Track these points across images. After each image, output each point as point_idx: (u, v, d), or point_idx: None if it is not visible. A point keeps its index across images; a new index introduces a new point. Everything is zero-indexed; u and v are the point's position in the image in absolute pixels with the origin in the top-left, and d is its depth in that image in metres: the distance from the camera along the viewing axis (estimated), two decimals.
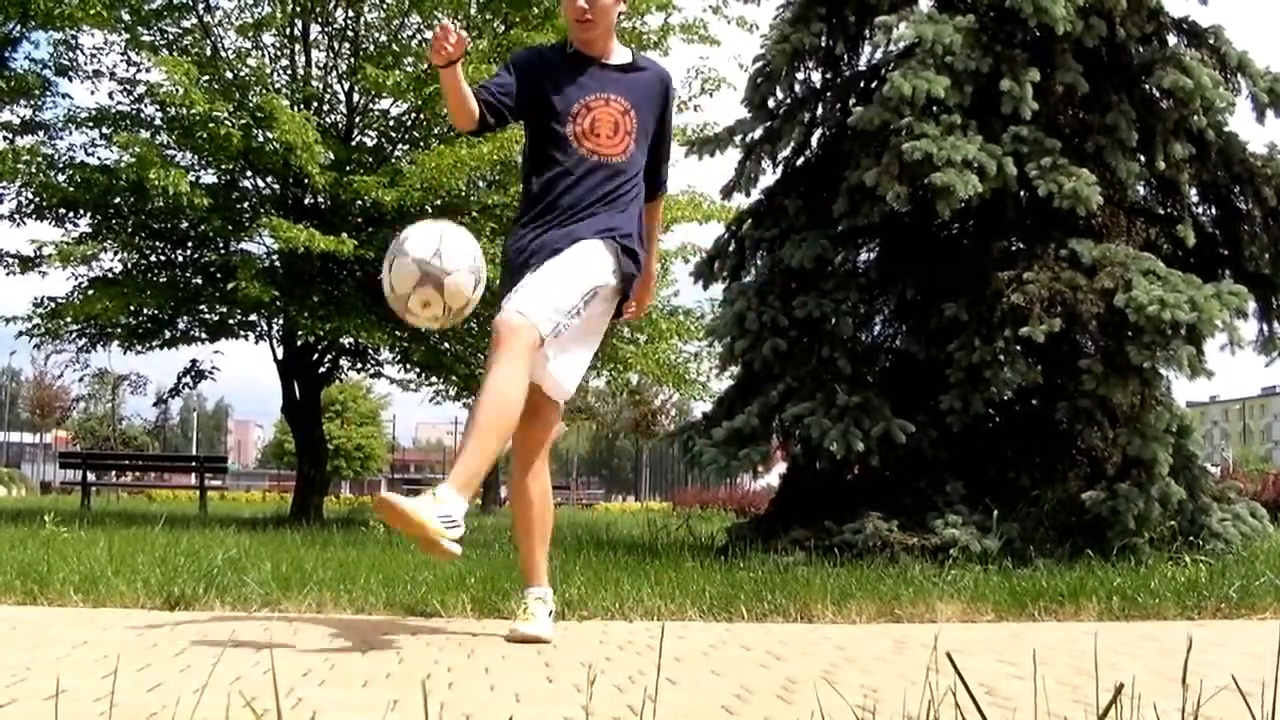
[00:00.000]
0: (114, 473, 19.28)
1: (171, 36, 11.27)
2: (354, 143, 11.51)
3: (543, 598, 2.96)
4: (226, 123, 10.20)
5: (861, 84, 6.40)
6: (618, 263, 2.93)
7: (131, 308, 10.67)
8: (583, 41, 3.03)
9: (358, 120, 11.76)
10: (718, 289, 6.75)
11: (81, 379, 49.43)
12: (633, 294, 3.08)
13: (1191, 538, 5.43)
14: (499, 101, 2.97)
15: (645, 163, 3.11)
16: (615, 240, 2.94)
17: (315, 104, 11.38)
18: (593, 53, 3.04)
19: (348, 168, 10.53)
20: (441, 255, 2.68)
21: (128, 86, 11.61)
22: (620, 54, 3.10)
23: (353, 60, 11.22)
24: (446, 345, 12.30)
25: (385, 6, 11.67)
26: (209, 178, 11.23)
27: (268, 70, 11.26)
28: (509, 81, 3.00)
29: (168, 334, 11.66)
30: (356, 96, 11.61)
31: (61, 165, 11.06)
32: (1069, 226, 5.51)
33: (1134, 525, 5.06)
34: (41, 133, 11.54)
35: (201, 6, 11.22)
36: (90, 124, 11.32)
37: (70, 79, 11.81)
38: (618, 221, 2.96)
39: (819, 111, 6.45)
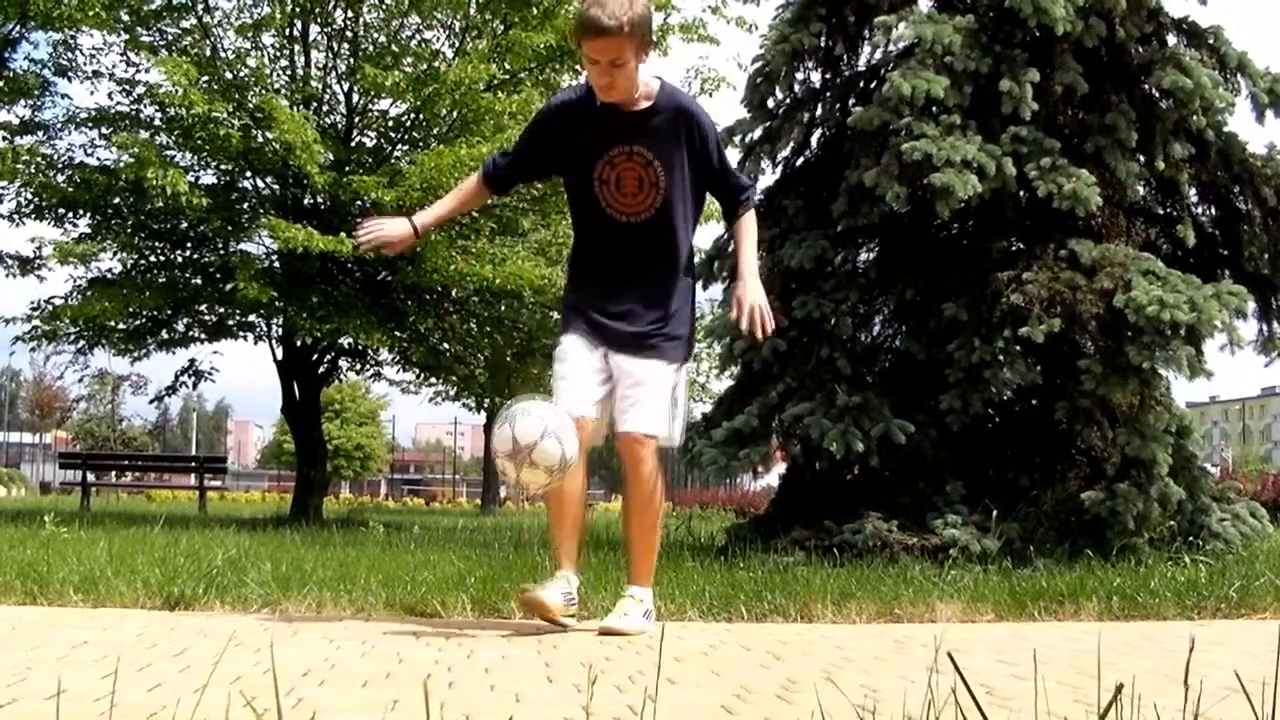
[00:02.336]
0: (114, 473, 19.30)
1: (170, 37, 11.28)
2: (353, 143, 11.52)
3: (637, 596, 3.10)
4: (226, 123, 10.21)
5: (861, 84, 6.40)
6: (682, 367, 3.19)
7: (130, 308, 10.68)
8: (609, 98, 3.00)
9: (357, 120, 11.77)
10: (717, 289, 6.74)
11: (81, 380, 49.42)
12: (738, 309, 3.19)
13: (1191, 538, 5.43)
14: (499, 174, 3.20)
15: (698, 192, 3.16)
16: (679, 354, 3.16)
17: (314, 104, 11.39)
18: (617, 101, 3.01)
19: (347, 168, 10.53)
20: (516, 438, 2.81)
21: (127, 87, 11.62)
22: (646, 89, 3.04)
23: (352, 60, 11.23)
24: (446, 346, 12.32)
25: (384, 7, 11.67)
26: (208, 178, 11.24)
27: (267, 71, 11.26)
28: (522, 152, 3.17)
29: (166, 335, 11.67)
30: (356, 97, 11.62)
31: (61, 165, 11.07)
32: (1068, 227, 5.51)
33: (1134, 525, 5.06)
34: (41, 133, 11.55)
35: (201, 7, 11.22)
36: (89, 124, 11.32)
37: (69, 79, 11.82)
38: (656, 314, 3.12)
39: (818, 112, 6.45)
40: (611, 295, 3.11)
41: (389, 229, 3.13)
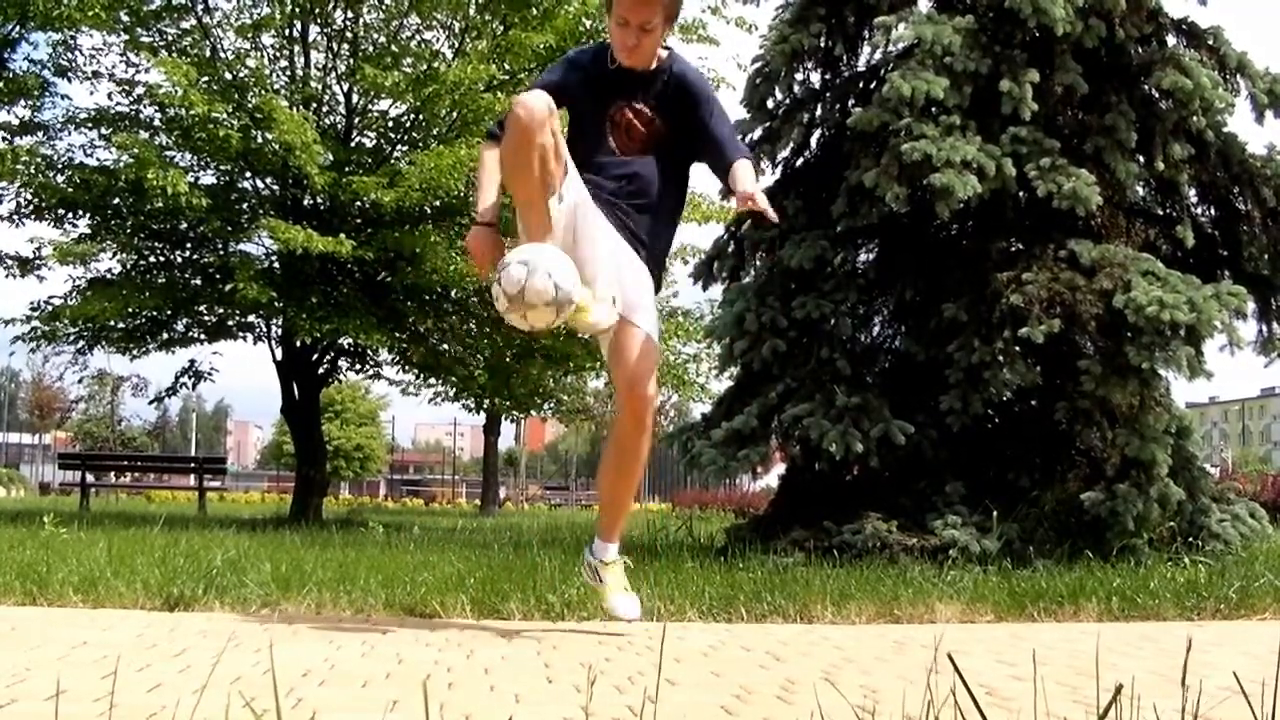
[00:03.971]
0: (113, 474, 19.28)
1: (170, 37, 11.27)
2: (353, 143, 11.51)
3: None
4: (225, 123, 10.21)
5: (861, 85, 6.40)
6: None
7: (130, 309, 10.67)
8: (628, 62, 3.06)
9: (357, 121, 11.76)
10: (717, 290, 6.75)
11: (80, 380, 49.39)
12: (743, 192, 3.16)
13: (1191, 538, 5.43)
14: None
15: (698, 150, 3.19)
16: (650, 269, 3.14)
17: (314, 105, 11.39)
18: (635, 66, 3.08)
19: (347, 168, 10.53)
20: (505, 290, 2.77)
21: (126, 87, 11.62)
22: (657, 57, 3.13)
23: (352, 61, 11.22)
24: (445, 347, 12.31)
25: (384, 7, 11.67)
26: (208, 178, 11.23)
27: (267, 71, 11.25)
28: (559, 82, 3.11)
29: (166, 335, 11.66)
30: (355, 97, 11.61)
31: (60, 166, 11.07)
32: (1068, 227, 5.51)
33: (1133, 526, 5.06)
34: (40, 133, 11.55)
35: (200, 7, 11.22)
36: (89, 125, 11.32)
37: (69, 80, 11.82)
38: (645, 236, 3.13)
39: (818, 112, 6.45)
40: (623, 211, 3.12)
41: (484, 245, 3.05)
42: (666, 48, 3.19)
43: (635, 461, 3.11)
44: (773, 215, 3.09)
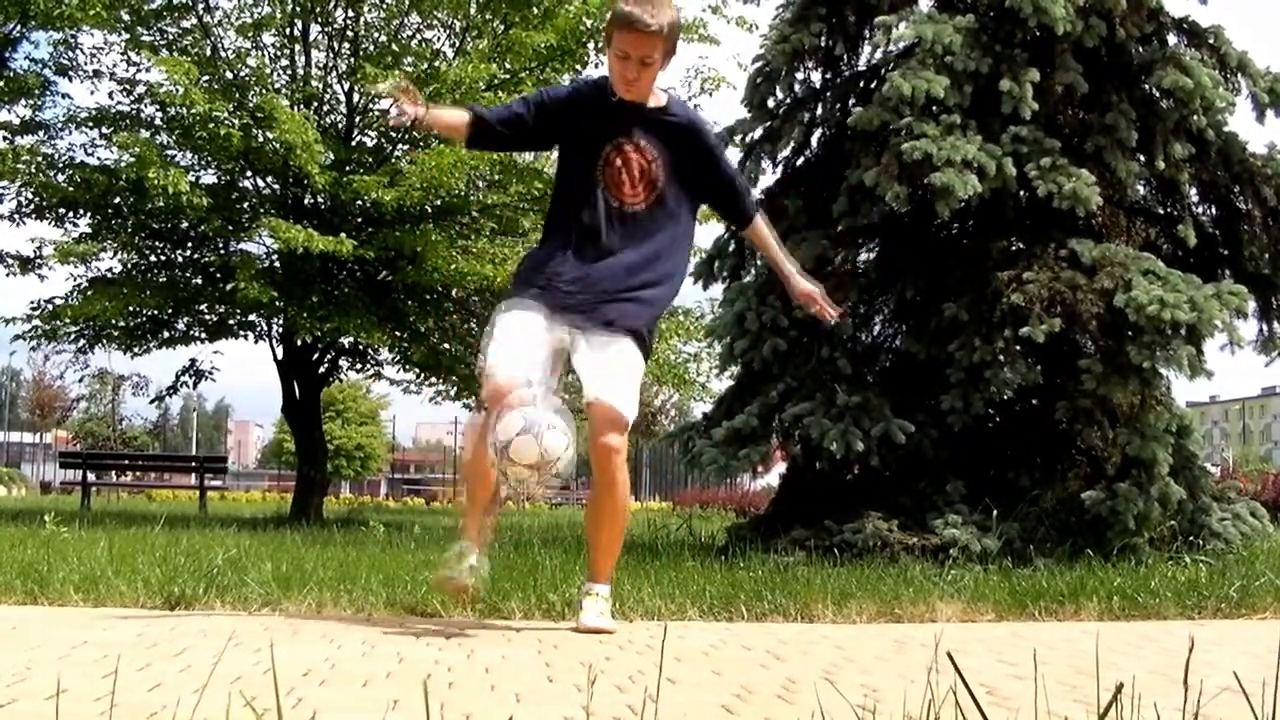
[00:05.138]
0: (114, 473, 19.27)
1: (171, 37, 11.28)
2: (354, 143, 11.52)
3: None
4: (226, 123, 10.21)
5: (861, 84, 6.40)
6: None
7: (130, 308, 10.67)
8: (628, 95, 3.05)
9: (357, 120, 11.77)
10: (718, 289, 6.75)
11: (81, 379, 49.40)
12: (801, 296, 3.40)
13: (1191, 538, 5.43)
14: (485, 125, 3.15)
15: (695, 204, 3.23)
16: (644, 338, 3.14)
17: (315, 104, 11.39)
18: (634, 99, 3.07)
19: (347, 168, 10.53)
20: (498, 435, 2.80)
21: (127, 86, 11.62)
22: (657, 97, 3.12)
23: (352, 60, 11.23)
24: (446, 346, 12.31)
25: (385, 6, 11.67)
26: (209, 178, 11.24)
27: (267, 70, 11.26)
28: (520, 115, 3.13)
29: (167, 334, 11.67)
30: (356, 96, 11.61)
31: (61, 165, 11.08)
32: (1069, 226, 5.51)
33: (1134, 525, 5.06)
34: (41, 132, 11.55)
35: (201, 7, 11.22)
36: (90, 124, 11.32)
37: (70, 79, 11.82)
38: (646, 298, 3.12)
39: (819, 111, 6.45)
40: (584, 273, 3.08)
41: (409, 91, 3.05)
42: (665, 90, 3.18)
43: (614, 516, 3.14)
44: (831, 314, 3.30)
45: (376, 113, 11.78)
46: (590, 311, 3.04)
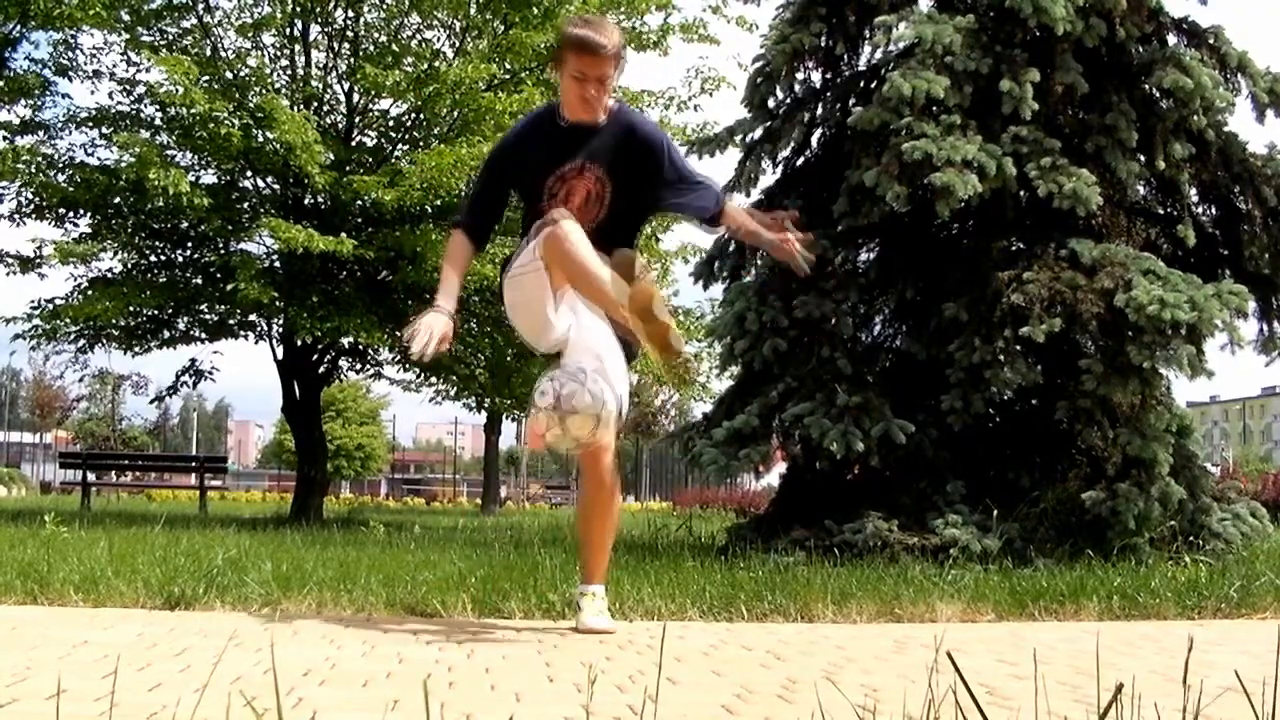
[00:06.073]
0: (114, 473, 19.26)
1: (171, 37, 11.28)
2: (354, 143, 11.52)
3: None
4: (226, 123, 10.20)
5: (861, 84, 6.40)
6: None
7: (131, 308, 10.67)
8: (579, 116, 3.09)
9: (357, 120, 11.76)
10: (718, 289, 6.75)
11: (81, 379, 49.34)
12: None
13: (1191, 538, 5.43)
14: (480, 234, 3.24)
15: (643, 206, 3.29)
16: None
17: (315, 104, 11.39)
18: (589, 119, 3.10)
19: (347, 168, 10.53)
20: (558, 393, 2.84)
21: (127, 86, 11.62)
22: (606, 108, 3.14)
23: (352, 60, 11.22)
24: (445, 346, 12.30)
25: (385, 6, 11.67)
26: (209, 178, 11.23)
27: (267, 70, 11.26)
28: (485, 196, 3.24)
29: (167, 334, 11.67)
30: (356, 96, 11.61)
31: (61, 165, 11.07)
32: (1069, 226, 5.51)
33: (1134, 525, 5.06)
34: (41, 133, 11.54)
35: (201, 7, 11.22)
36: (90, 124, 11.32)
37: (70, 79, 11.81)
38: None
39: (819, 111, 6.45)
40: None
41: (436, 327, 3.02)
42: (611, 98, 3.21)
43: (604, 516, 3.17)
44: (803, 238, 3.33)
45: (376, 112, 11.80)
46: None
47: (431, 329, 2.99)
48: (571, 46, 3.02)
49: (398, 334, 11.22)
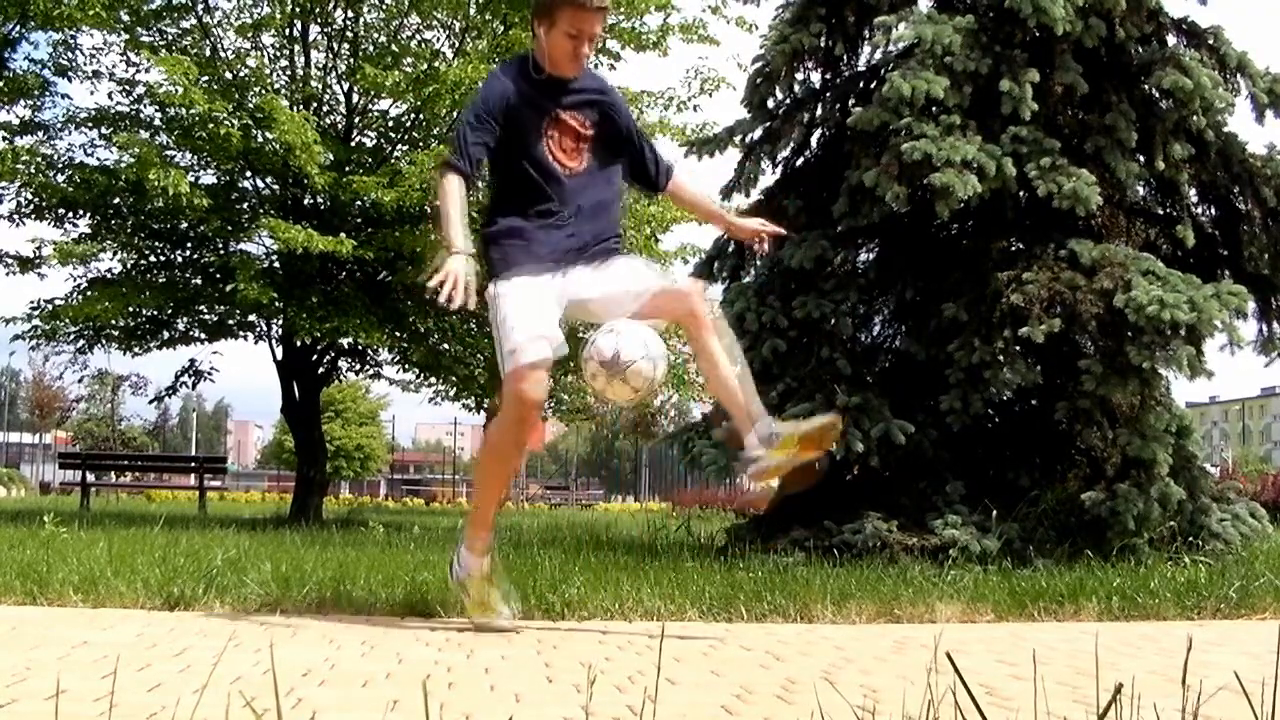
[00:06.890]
0: (113, 473, 19.26)
1: (170, 37, 11.27)
2: (353, 143, 11.51)
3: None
4: (226, 123, 10.20)
5: (861, 84, 6.40)
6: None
7: (130, 308, 10.67)
8: (565, 70, 3.22)
9: (357, 121, 11.76)
10: (717, 289, 6.74)
11: (81, 380, 49.34)
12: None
13: (1191, 538, 5.43)
14: (474, 165, 3.28)
15: (628, 164, 3.42)
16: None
17: (314, 104, 11.38)
18: (576, 73, 3.26)
19: (347, 168, 10.52)
20: (619, 352, 3.03)
21: (127, 87, 11.61)
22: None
23: (352, 61, 11.22)
24: (446, 346, 12.31)
25: (384, 7, 11.67)
26: (208, 178, 11.22)
27: (267, 71, 11.25)
28: (482, 131, 3.24)
29: (166, 334, 11.66)
30: (356, 97, 11.61)
31: (61, 165, 11.06)
32: (1068, 227, 5.51)
33: (1134, 526, 5.06)
34: (41, 133, 11.53)
35: (201, 7, 11.22)
36: (89, 124, 11.31)
37: (69, 79, 11.80)
38: (615, 248, 3.34)
39: (818, 112, 6.45)
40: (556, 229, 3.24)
41: (461, 272, 3.04)
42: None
43: (725, 354, 3.41)
44: (778, 230, 3.50)
45: (375, 113, 11.78)
46: (571, 265, 3.21)
47: (456, 275, 3.02)
48: (568, 3, 3.11)
49: (398, 334, 11.23)
